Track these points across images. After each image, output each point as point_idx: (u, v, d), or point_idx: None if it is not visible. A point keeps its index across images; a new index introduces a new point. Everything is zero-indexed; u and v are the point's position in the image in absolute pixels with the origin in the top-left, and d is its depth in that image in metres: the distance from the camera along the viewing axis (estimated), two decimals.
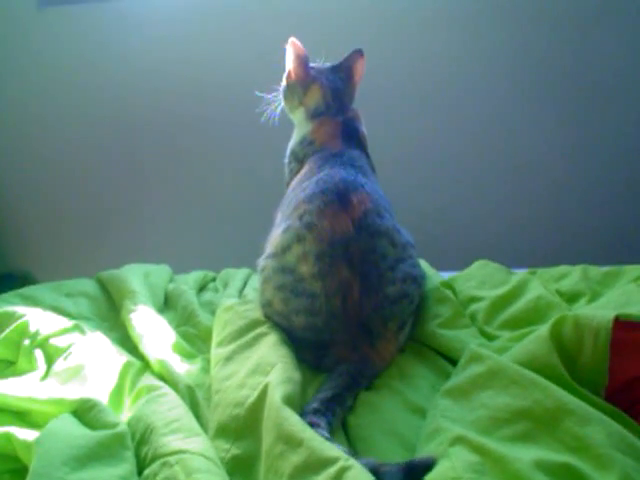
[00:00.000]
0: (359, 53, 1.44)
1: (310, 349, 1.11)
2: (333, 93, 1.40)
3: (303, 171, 1.31)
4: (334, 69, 1.44)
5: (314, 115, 1.40)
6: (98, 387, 1.05)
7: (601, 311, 0.91)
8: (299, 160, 1.38)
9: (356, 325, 1.08)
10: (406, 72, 2.10)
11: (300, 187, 1.22)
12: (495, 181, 2.16)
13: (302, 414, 0.89)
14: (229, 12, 2.14)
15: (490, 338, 1.15)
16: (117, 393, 1.07)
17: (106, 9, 2.19)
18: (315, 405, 0.93)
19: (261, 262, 1.19)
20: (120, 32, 2.20)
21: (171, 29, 2.18)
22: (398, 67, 2.08)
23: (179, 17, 2.17)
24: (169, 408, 0.96)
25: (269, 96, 1.48)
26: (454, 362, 1.08)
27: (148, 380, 1.07)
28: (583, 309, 1.13)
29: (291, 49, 1.41)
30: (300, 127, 1.43)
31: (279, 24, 2.09)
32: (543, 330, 0.92)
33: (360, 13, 2.08)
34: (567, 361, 0.89)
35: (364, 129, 1.42)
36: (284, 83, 1.46)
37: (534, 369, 0.88)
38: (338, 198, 1.12)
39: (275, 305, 1.14)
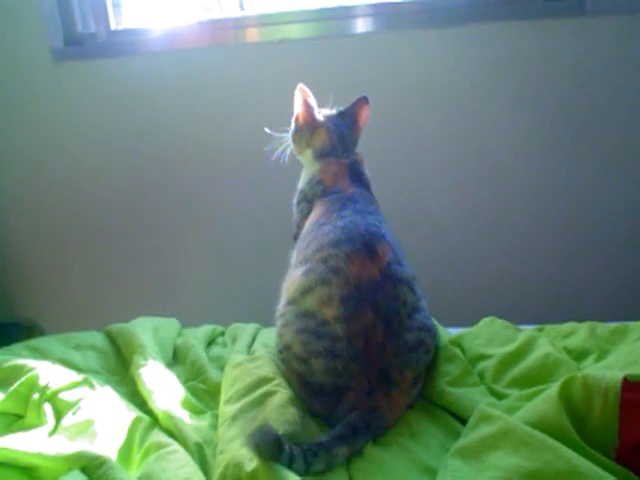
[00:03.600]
0: (364, 100, 1.52)
1: (324, 398, 1.11)
2: (338, 137, 1.48)
3: (318, 212, 1.34)
4: (340, 114, 1.53)
5: (321, 155, 1.47)
6: (107, 443, 1.05)
7: (610, 372, 0.91)
8: (308, 200, 1.43)
9: (375, 370, 1.08)
10: (415, 122, 2.13)
11: (320, 230, 1.24)
12: (500, 236, 2.18)
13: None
14: (242, 69, 2.20)
15: (499, 396, 1.15)
16: (126, 449, 1.06)
17: (121, 64, 2.24)
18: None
19: (279, 309, 1.20)
20: (134, 87, 2.25)
21: (185, 85, 2.23)
22: (406, 118, 2.12)
23: (193, 73, 2.22)
24: (179, 466, 0.96)
25: (278, 135, 1.56)
26: (463, 420, 1.08)
27: (157, 436, 1.07)
28: (591, 368, 1.13)
29: (299, 95, 1.50)
30: (308, 167, 1.51)
31: (288, 79, 2.15)
32: (552, 390, 0.92)
33: (364, 63, 2.14)
34: (577, 422, 0.89)
35: (367, 172, 1.48)
36: (292, 126, 1.54)
37: (544, 430, 0.88)
38: (365, 247, 1.14)
39: (294, 348, 1.13)
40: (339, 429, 1.02)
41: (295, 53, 2.16)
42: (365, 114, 1.53)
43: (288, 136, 1.55)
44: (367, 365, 1.08)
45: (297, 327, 1.13)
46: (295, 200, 1.48)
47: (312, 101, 1.51)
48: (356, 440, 1.01)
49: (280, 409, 1.06)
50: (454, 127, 2.14)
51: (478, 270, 2.21)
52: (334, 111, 1.55)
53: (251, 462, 0.91)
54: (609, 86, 2.03)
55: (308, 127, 1.50)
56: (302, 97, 1.50)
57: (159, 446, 1.03)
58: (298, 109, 1.52)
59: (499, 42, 2.06)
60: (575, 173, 2.10)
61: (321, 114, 1.52)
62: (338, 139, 1.48)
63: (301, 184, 1.49)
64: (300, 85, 1.50)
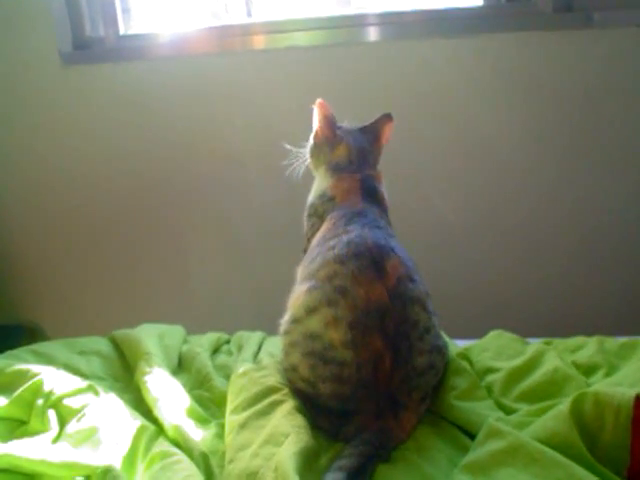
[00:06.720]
0: (388, 117, 1.48)
1: (331, 417, 1.10)
2: (358, 153, 1.42)
3: (325, 227, 1.31)
4: (362, 130, 1.48)
5: (335, 170, 1.42)
6: (111, 451, 1.04)
7: (621, 389, 0.91)
8: (319, 215, 1.38)
9: (384, 395, 1.07)
10: (423, 131, 2.12)
11: (326, 245, 1.20)
12: (507, 247, 2.18)
13: None
14: (250, 75, 2.20)
15: (507, 411, 1.14)
16: (130, 458, 1.05)
17: (129, 68, 2.24)
18: (342, 476, 0.92)
19: (284, 325, 1.18)
20: (142, 91, 2.25)
21: (192, 90, 2.23)
22: (414, 127, 2.10)
23: (200, 78, 2.22)
24: (184, 476, 0.96)
25: (296, 150, 1.51)
26: (471, 435, 1.07)
27: (162, 446, 1.06)
28: (602, 384, 1.13)
29: (319, 110, 1.45)
30: (320, 181, 1.45)
31: (294, 87, 2.15)
32: (563, 407, 0.91)
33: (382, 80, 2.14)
34: (588, 439, 0.88)
35: (384, 189, 1.43)
36: (311, 142, 1.49)
37: (554, 446, 0.87)
38: (373, 264, 1.11)
39: (301, 371, 1.12)
40: (363, 448, 1.00)
41: (302, 61, 2.16)
42: (388, 131, 1.48)
43: (305, 152, 1.50)
44: (375, 391, 1.06)
45: (304, 349, 1.11)
46: (306, 213, 1.45)
47: (332, 116, 1.46)
48: (378, 459, 1.00)
49: (288, 416, 1.06)
50: (462, 136, 2.13)
51: (485, 281, 2.20)
52: (349, 125, 1.50)
53: (266, 472, 0.91)
54: (617, 97, 2.04)
55: (328, 143, 1.44)
56: (321, 112, 1.44)
57: (164, 455, 1.02)
58: (317, 124, 1.47)
59: (508, 52, 2.06)
60: (585, 186, 2.10)
61: (341, 129, 1.47)
62: (357, 155, 1.42)
63: (312, 197, 1.45)
64: (319, 100, 1.44)
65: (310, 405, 1.12)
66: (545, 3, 2.02)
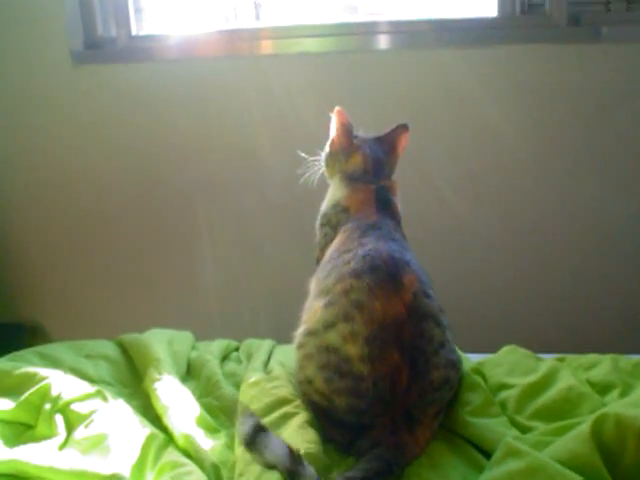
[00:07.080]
0: (404, 127, 1.47)
1: (344, 430, 1.08)
2: (374, 162, 1.41)
3: (339, 240, 1.29)
4: (378, 140, 1.46)
5: (350, 179, 1.40)
6: (120, 459, 1.02)
7: None
8: (332, 226, 1.37)
9: (400, 410, 1.05)
10: (434, 142, 2.11)
11: (341, 259, 1.19)
12: (521, 261, 2.17)
13: None
14: (258, 80, 2.19)
15: (521, 428, 1.12)
16: (140, 467, 1.03)
17: (139, 69, 2.23)
18: None
19: (299, 338, 1.16)
20: (151, 92, 2.24)
21: (203, 91, 2.22)
22: (425, 137, 2.08)
23: (212, 80, 2.22)
24: None
25: (311, 158, 1.50)
26: (484, 451, 1.06)
27: (173, 455, 1.05)
28: (618, 404, 1.11)
29: (336, 118, 1.44)
30: (334, 191, 1.44)
31: (303, 93, 2.15)
32: (584, 428, 0.90)
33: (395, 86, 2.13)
34: (609, 461, 0.86)
35: (397, 200, 1.42)
36: (327, 150, 1.48)
37: (575, 468, 0.85)
38: (389, 278, 1.10)
39: (316, 384, 1.10)
40: (375, 464, 0.98)
41: (312, 67, 2.16)
42: (405, 141, 1.47)
43: (320, 160, 1.49)
44: (392, 406, 1.05)
45: (319, 362, 1.09)
46: (318, 222, 1.43)
47: (349, 125, 1.45)
48: (390, 476, 0.98)
49: (300, 430, 1.04)
50: (473, 147, 2.13)
51: (497, 294, 2.19)
52: (365, 135, 1.49)
53: None
54: (627, 109, 2.05)
55: (344, 152, 1.43)
56: (339, 120, 1.43)
57: (174, 465, 1.01)
58: (334, 132, 1.46)
59: (520, 64, 2.07)
60: (596, 196, 2.10)
61: (357, 138, 1.45)
62: (373, 165, 1.41)
63: (325, 207, 1.44)
64: (337, 108, 1.43)
65: (324, 418, 1.11)
66: (560, 16, 2.02)
